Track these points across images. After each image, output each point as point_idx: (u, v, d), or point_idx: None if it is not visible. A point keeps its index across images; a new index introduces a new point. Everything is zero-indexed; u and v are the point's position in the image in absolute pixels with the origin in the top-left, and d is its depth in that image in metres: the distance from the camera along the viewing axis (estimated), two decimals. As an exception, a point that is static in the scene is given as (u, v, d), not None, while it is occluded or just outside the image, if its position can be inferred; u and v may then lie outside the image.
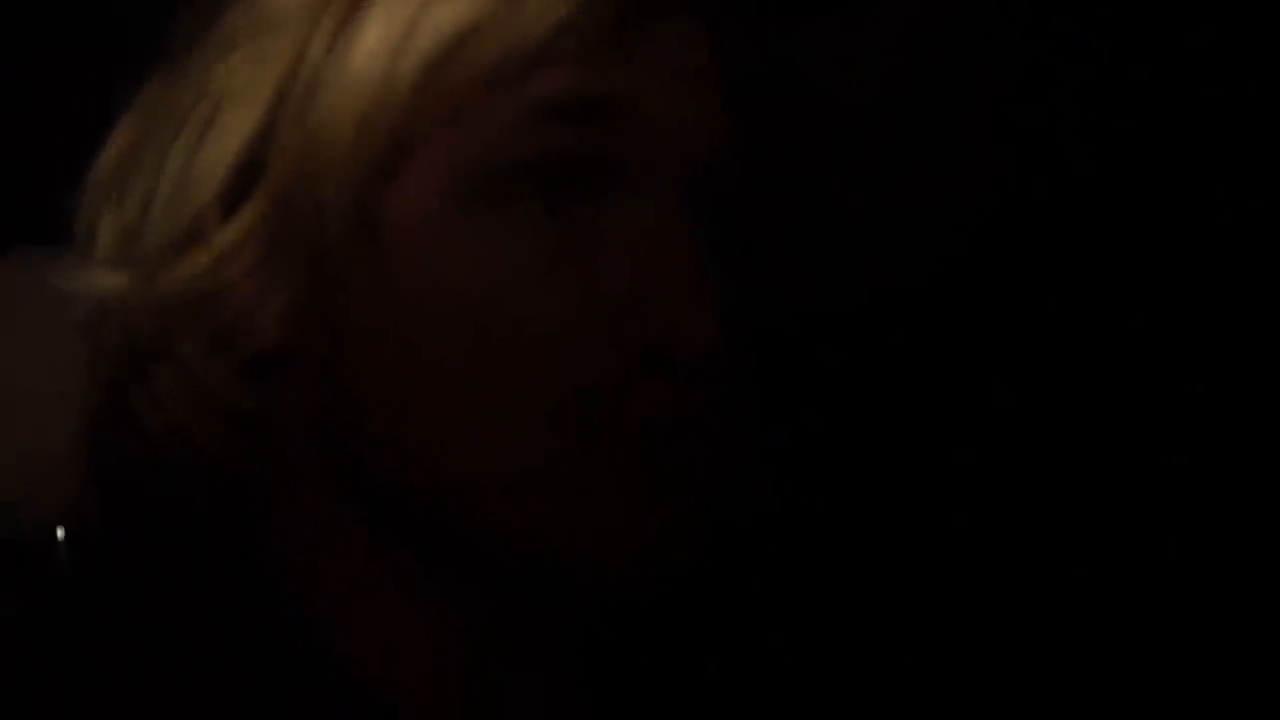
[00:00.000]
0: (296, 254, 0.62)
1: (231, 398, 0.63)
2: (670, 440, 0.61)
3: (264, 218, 0.62)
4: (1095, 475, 0.86)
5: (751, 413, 0.66)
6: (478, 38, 0.60)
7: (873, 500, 0.85)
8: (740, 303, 0.64)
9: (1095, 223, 0.86)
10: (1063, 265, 0.86)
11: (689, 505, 0.62)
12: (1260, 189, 0.84)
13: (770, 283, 0.70)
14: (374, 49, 0.60)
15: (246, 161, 0.62)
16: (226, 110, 0.62)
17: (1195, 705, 0.84)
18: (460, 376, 0.60)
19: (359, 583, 0.64)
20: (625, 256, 0.61)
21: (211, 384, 0.63)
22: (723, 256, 0.64)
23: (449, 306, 0.60)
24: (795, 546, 0.83)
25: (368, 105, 0.60)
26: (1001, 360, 0.86)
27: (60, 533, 0.79)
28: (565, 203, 0.61)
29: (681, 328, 0.60)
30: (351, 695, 0.63)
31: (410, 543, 0.63)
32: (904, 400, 0.86)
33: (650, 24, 0.62)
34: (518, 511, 0.61)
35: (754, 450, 0.69)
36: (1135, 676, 0.84)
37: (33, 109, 0.92)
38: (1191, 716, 0.84)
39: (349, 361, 0.62)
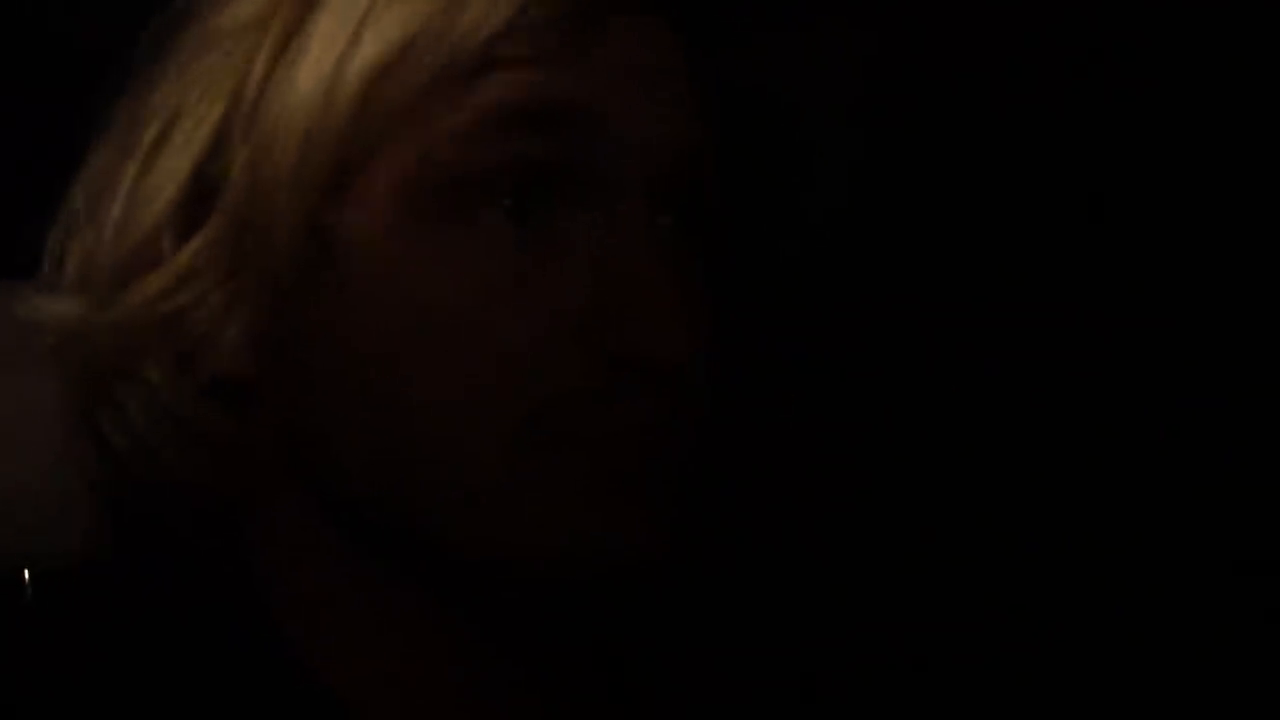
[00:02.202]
0: (254, 274, 0.62)
1: (198, 418, 0.63)
2: (640, 449, 0.61)
3: (221, 238, 0.62)
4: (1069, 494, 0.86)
5: (723, 419, 0.66)
6: (420, 45, 0.60)
7: (848, 503, 0.85)
8: (712, 309, 0.64)
9: (1074, 227, 0.86)
10: (1039, 273, 0.86)
11: (659, 513, 0.61)
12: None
13: (741, 289, 0.69)
14: (317, 61, 0.60)
15: (197, 182, 0.62)
16: (174, 130, 0.62)
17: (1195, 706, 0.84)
18: (424, 390, 0.60)
19: (333, 596, 0.64)
20: (591, 265, 0.61)
21: (178, 406, 0.63)
22: (696, 263, 0.63)
23: (409, 321, 0.60)
24: (770, 551, 0.83)
25: (312, 119, 0.60)
26: (978, 362, 0.86)
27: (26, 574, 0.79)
28: (527, 211, 0.60)
29: (649, 337, 0.60)
30: (325, 709, 0.63)
31: (382, 555, 0.63)
32: (877, 403, 0.86)
33: (604, 24, 0.61)
34: (486, 521, 0.60)
35: (727, 456, 0.69)
36: (1128, 679, 0.84)
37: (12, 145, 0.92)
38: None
39: (313, 379, 0.62)
